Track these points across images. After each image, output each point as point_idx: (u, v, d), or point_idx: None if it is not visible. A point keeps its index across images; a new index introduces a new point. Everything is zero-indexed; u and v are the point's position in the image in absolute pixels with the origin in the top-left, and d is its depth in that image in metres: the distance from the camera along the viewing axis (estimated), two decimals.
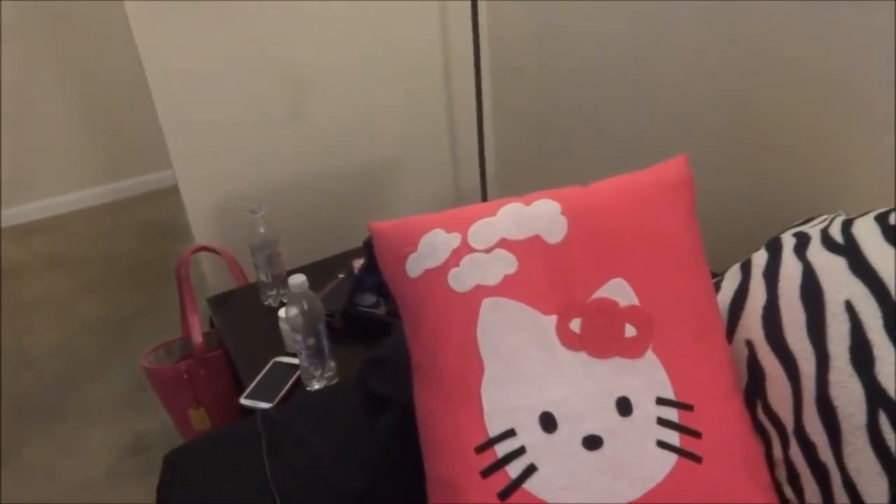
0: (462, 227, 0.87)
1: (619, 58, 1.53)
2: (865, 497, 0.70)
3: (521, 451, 0.77)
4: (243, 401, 1.32)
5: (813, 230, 0.90)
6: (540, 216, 0.87)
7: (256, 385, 1.35)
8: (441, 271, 0.85)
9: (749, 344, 0.87)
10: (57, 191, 3.07)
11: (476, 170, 2.06)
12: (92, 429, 1.99)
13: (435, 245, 0.86)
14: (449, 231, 0.87)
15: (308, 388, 1.33)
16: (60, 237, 2.93)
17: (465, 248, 0.85)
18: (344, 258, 1.71)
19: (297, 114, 1.82)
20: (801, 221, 1.01)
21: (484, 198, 2.03)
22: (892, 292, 0.75)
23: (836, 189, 1.17)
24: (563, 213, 0.86)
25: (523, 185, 0.94)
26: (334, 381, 1.32)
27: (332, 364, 1.35)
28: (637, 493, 0.75)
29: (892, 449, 0.69)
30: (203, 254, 1.86)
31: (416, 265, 0.87)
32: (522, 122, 1.94)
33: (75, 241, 2.90)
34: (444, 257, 0.85)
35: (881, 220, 0.83)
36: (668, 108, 1.45)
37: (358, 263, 1.59)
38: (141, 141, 3.07)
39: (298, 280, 1.26)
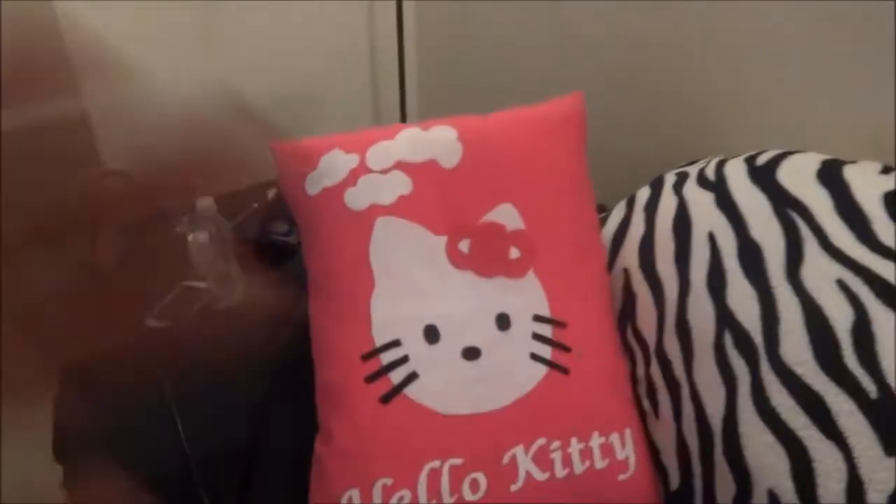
0: (361, 148, 0.89)
1: None
2: (707, 407, 0.78)
3: (404, 359, 0.81)
4: (150, 323, 1.32)
5: (692, 169, 0.97)
6: (436, 141, 0.90)
7: (163, 307, 1.36)
8: (338, 189, 0.87)
9: (626, 272, 0.94)
10: None
11: (397, 100, 2.05)
12: None
13: (334, 164, 0.88)
14: (348, 152, 0.89)
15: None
16: None
17: (362, 169, 0.87)
18: (259, 189, 1.71)
19: (208, 35, 1.77)
20: (685, 163, 1.08)
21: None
22: (748, 225, 0.82)
23: (725, 135, 1.24)
24: (460, 139, 0.90)
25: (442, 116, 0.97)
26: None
27: (242, 289, 1.36)
28: (508, 400, 0.81)
29: (732, 364, 0.76)
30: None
31: (314, 183, 0.89)
32: (443, 52, 1.95)
33: None
34: (342, 176, 0.88)
35: (749, 161, 0.90)
36: (568, 44, 1.49)
37: (272, 193, 1.60)
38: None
39: (206, 203, 1.26)
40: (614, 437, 0.83)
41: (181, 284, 1.42)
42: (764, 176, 0.86)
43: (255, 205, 1.62)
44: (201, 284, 1.40)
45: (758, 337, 0.75)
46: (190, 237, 1.43)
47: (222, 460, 0.97)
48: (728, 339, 0.77)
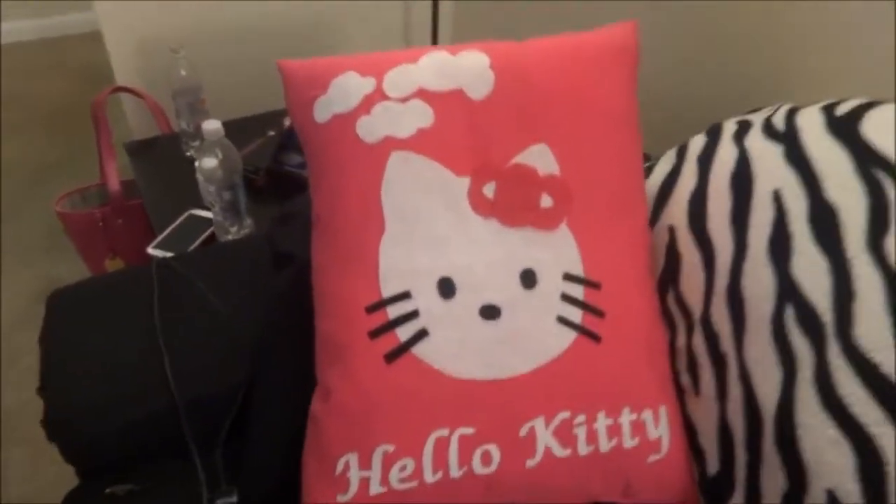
0: (378, 71, 0.78)
1: None
2: (758, 389, 0.68)
3: (414, 314, 0.72)
4: (150, 250, 1.25)
5: (757, 117, 0.85)
6: (465, 68, 0.78)
7: (167, 236, 1.28)
8: (350, 118, 0.77)
9: (671, 230, 0.83)
10: None
11: (429, 25, 1.90)
12: (2, 273, 1.91)
13: (346, 89, 0.77)
14: (363, 75, 0.78)
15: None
16: None
17: (378, 95, 0.77)
18: (277, 116, 1.60)
19: None
20: (749, 110, 0.95)
21: None
22: (823, 184, 0.70)
23: (794, 83, 1.10)
24: (492, 67, 0.78)
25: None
26: None
27: (249, 221, 1.28)
28: (528, 367, 0.72)
29: (792, 344, 0.66)
30: (129, 100, 1.72)
31: (324, 109, 0.78)
32: None
33: None
34: (355, 103, 0.77)
35: (828, 110, 0.77)
36: None
37: (289, 121, 1.49)
38: None
39: (213, 126, 1.16)
40: (647, 415, 0.74)
41: (187, 212, 1.34)
42: (845, 128, 0.73)
43: (271, 133, 1.52)
44: (207, 214, 1.32)
45: (827, 315, 0.64)
46: (196, 163, 1.34)
47: (213, 405, 0.90)
48: (790, 315, 0.67)
